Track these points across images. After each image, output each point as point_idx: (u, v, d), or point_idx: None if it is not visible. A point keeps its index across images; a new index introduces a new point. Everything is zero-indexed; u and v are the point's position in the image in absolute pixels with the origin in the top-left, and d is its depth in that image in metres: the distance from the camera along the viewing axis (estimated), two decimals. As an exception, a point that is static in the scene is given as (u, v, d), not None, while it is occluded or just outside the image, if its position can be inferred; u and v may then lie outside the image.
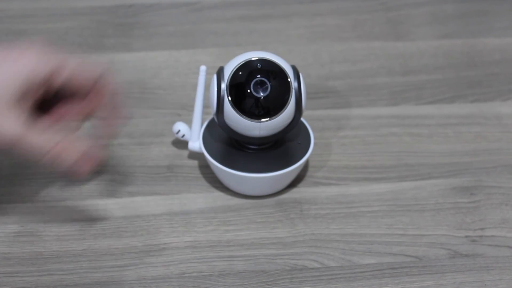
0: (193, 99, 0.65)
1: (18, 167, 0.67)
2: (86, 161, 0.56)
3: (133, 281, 0.58)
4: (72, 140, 0.56)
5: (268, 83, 0.60)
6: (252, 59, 0.61)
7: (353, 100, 0.75)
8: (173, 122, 0.67)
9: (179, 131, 0.66)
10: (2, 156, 0.68)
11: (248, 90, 0.60)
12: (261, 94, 0.60)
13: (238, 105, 0.60)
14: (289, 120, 0.62)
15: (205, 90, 0.64)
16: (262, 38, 0.83)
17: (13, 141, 0.55)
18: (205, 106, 0.65)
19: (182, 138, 0.66)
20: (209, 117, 0.67)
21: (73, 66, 0.57)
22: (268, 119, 0.60)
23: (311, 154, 0.65)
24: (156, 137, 0.70)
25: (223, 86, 0.61)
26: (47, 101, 0.58)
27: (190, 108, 0.69)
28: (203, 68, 0.64)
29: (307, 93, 0.64)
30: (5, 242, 0.61)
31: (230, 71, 0.61)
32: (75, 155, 0.56)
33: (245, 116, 0.60)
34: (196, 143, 0.65)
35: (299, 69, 0.62)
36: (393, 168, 0.68)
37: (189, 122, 0.66)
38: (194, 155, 0.68)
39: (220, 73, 0.61)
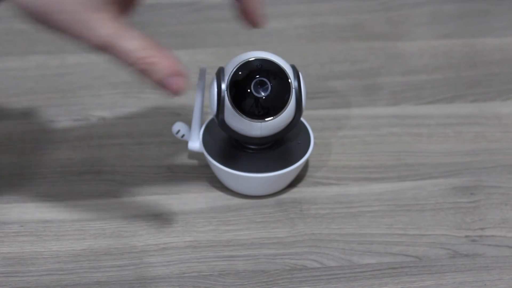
0: (193, 99, 0.65)
1: (18, 167, 0.67)
2: (179, 77, 0.53)
3: (133, 281, 0.58)
4: (166, 53, 0.53)
5: (268, 83, 0.60)
6: (252, 59, 0.61)
7: (353, 100, 0.75)
8: (173, 122, 0.67)
9: (178, 131, 0.66)
10: (2, 155, 0.68)
11: (249, 90, 0.60)
12: (262, 94, 0.60)
13: (238, 105, 0.60)
14: (289, 120, 0.62)
15: (204, 90, 0.64)
16: (262, 38, 0.83)
17: (106, 42, 0.52)
18: (205, 106, 0.65)
19: (182, 138, 0.66)
20: (209, 117, 0.67)
21: None
22: (268, 119, 0.60)
23: (311, 154, 0.65)
24: (156, 137, 0.70)
25: (223, 86, 0.61)
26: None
27: (190, 108, 0.69)
28: (203, 68, 0.64)
29: (307, 93, 0.64)
30: (5, 242, 0.61)
31: (230, 71, 0.61)
32: (168, 68, 0.52)
33: (245, 116, 0.60)
34: (196, 143, 0.65)
35: (299, 69, 0.62)
36: (393, 168, 0.68)
37: (189, 122, 0.66)
38: (194, 155, 0.68)
39: (220, 73, 0.61)
